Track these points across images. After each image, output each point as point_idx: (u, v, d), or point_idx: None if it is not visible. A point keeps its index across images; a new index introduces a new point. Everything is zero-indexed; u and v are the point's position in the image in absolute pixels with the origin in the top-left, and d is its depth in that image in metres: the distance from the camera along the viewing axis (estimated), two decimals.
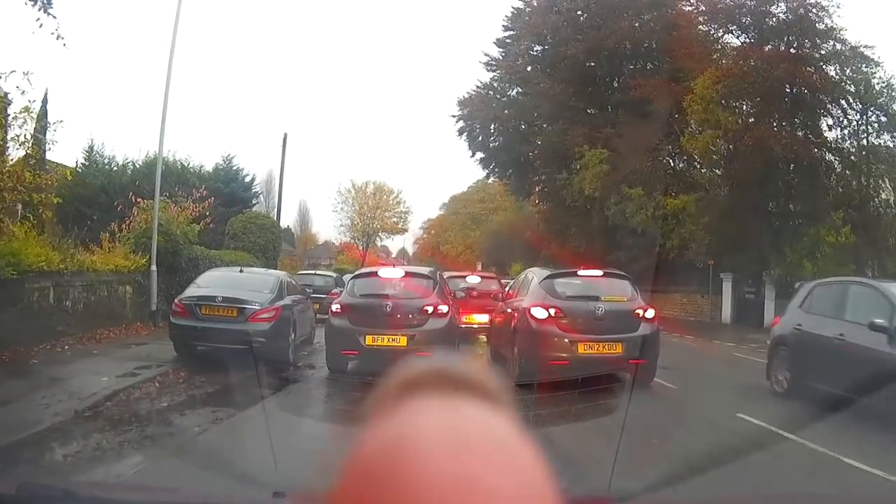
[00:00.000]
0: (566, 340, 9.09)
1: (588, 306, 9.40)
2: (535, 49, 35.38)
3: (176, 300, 10.59)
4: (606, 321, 9.24)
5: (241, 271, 11.58)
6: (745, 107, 25.76)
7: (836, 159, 26.21)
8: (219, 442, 6.20)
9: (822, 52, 25.99)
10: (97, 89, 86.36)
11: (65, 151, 37.81)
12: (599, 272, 10.58)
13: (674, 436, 6.33)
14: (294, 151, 78.47)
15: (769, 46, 25.87)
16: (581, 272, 10.49)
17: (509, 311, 10.89)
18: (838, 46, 25.71)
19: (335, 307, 9.93)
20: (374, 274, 11.04)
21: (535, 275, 10.68)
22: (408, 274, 10.87)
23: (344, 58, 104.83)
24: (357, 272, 12.03)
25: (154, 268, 15.40)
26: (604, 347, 9.12)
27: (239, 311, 10.01)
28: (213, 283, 10.98)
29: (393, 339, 9.53)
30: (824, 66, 25.69)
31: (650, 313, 9.65)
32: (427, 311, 9.79)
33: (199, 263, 16.50)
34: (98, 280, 14.29)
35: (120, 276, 15.11)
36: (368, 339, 9.51)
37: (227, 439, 6.28)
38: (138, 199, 17.24)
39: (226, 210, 28.46)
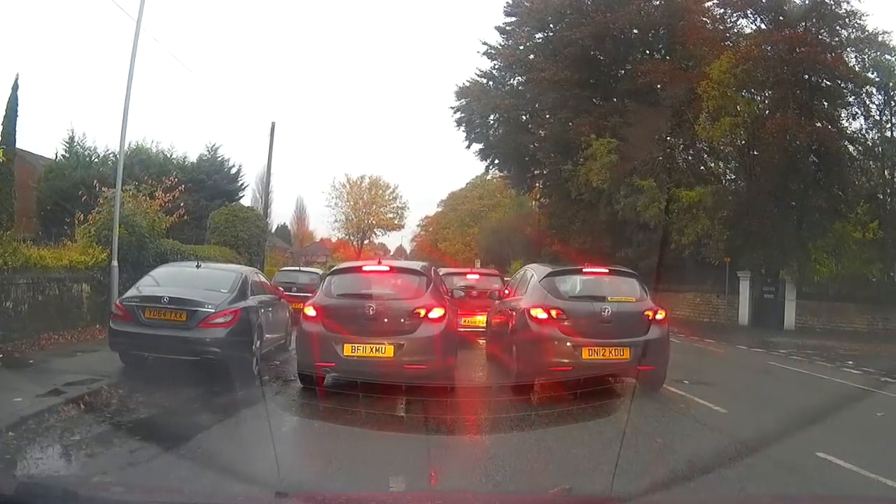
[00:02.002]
0: (569, 345, 8.20)
1: (593, 307, 8.45)
2: (537, 36, 33.70)
3: (117, 301, 8.86)
4: (613, 324, 8.31)
5: (197, 266, 9.81)
6: (764, 93, 24.11)
7: (858, 151, 24.64)
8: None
9: (841, 37, 24.34)
10: (80, 79, 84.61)
11: (46, 143, 36.16)
12: (605, 270, 9.64)
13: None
14: (293, 148, 77.02)
15: (787, 31, 24.24)
16: (586, 270, 9.49)
17: (507, 311, 9.88)
18: (858, 33, 24.10)
19: (308, 310, 8.19)
20: (356, 269, 9.27)
21: (535, 272, 9.64)
22: (395, 270, 9.09)
23: (343, 52, 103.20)
24: (335, 267, 10.22)
25: (115, 263, 13.67)
26: (610, 352, 8.19)
27: (189, 314, 8.26)
28: (162, 280, 9.24)
29: (377, 349, 7.80)
30: (843, 53, 24.07)
31: (660, 315, 8.68)
32: (418, 314, 8.07)
33: (169, 259, 14.77)
34: (47, 277, 12.55)
35: (75, 272, 13.38)
36: (347, 349, 7.78)
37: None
38: (102, 189, 15.48)
39: (209, 203, 26.80)
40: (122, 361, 9.17)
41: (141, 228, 14.62)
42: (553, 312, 8.38)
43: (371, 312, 7.91)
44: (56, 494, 2.27)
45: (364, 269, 9.09)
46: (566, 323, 8.32)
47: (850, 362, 13.82)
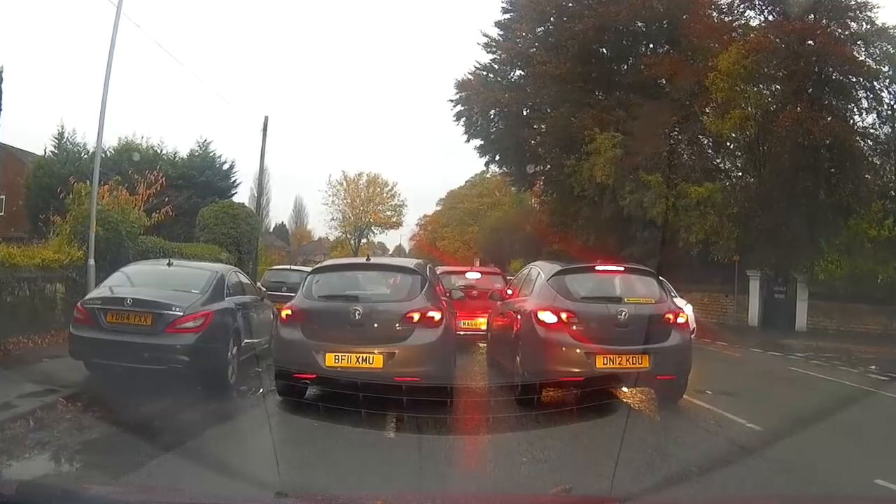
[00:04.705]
0: (580, 352, 7.38)
1: (608, 310, 7.62)
2: (538, 29, 32.78)
3: (78, 303, 8.00)
4: (630, 328, 7.44)
5: (169, 265, 8.95)
6: (773, 86, 23.25)
7: (869, 146, 23.81)
8: None
9: (850, 30, 23.50)
10: (75, 76, 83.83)
11: (35, 139, 35.44)
12: (620, 268, 8.69)
13: None
14: (292, 147, 76.59)
15: (796, 23, 23.39)
16: (599, 267, 8.48)
17: (510, 313, 8.94)
18: (868, 27, 23.28)
19: (285, 312, 7.33)
20: (341, 268, 8.41)
21: (542, 270, 8.67)
22: (386, 268, 8.24)
23: (341, 48, 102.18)
24: (319, 265, 9.33)
25: (91, 262, 12.86)
26: (627, 360, 7.35)
27: (154, 317, 7.39)
28: (129, 280, 8.38)
29: (364, 358, 6.91)
30: (853, 47, 23.24)
31: (682, 318, 7.85)
32: (412, 318, 7.18)
33: (151, 257, 13.94)
34: (16, 277, 11.72)
35: (49, 271, 12.55)
36: (330, 359, 6.90)
37: None
38: (76, 184, 14.63)
39: (201, 200, 26.04)
40: (87, 369, 8.34)
41: (119, 225, 13.80)
42: (563, 315, 7.52)
43: (357, 317, 7.04)
44: (56, 494, 2.30)
45: (350, 267, 8.21)
46: (578, 327, 7.46)
47: (874, 367, 13.05)
